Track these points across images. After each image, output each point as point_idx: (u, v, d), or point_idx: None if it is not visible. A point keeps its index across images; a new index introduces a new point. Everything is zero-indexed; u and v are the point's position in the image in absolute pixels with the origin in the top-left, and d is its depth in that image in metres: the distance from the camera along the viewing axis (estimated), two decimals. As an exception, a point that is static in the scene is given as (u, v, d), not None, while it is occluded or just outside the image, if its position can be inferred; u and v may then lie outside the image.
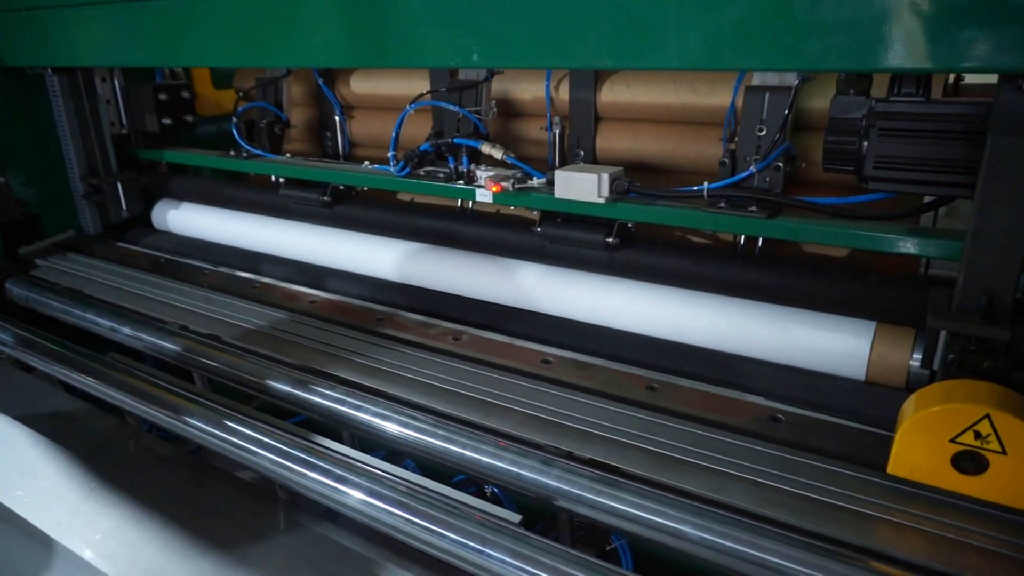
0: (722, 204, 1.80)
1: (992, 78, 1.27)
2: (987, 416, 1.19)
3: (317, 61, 2.17)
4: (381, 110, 2.79)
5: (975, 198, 1.31)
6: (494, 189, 2.03)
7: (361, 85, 2.77)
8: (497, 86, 2.33)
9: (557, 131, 2.21)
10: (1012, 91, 1.21)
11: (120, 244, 3.05)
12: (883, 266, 1.87)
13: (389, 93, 2.68)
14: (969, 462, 1.25)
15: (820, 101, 1.81)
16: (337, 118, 2.84)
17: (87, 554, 1.59)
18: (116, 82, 2.98)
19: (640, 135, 2.17)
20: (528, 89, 2.33)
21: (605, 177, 1.86)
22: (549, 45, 1.49)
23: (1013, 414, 1.18)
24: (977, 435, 1.21)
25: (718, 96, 1.98)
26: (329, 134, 2.91)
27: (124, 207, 3.10)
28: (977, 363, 1.36)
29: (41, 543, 1.66)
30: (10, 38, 2.61)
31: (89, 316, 2.31)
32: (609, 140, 2.22)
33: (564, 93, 2.23)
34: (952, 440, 1.24)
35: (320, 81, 2.79)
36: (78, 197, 3.04)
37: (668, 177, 2.14)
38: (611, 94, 2.15)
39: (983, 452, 1.22)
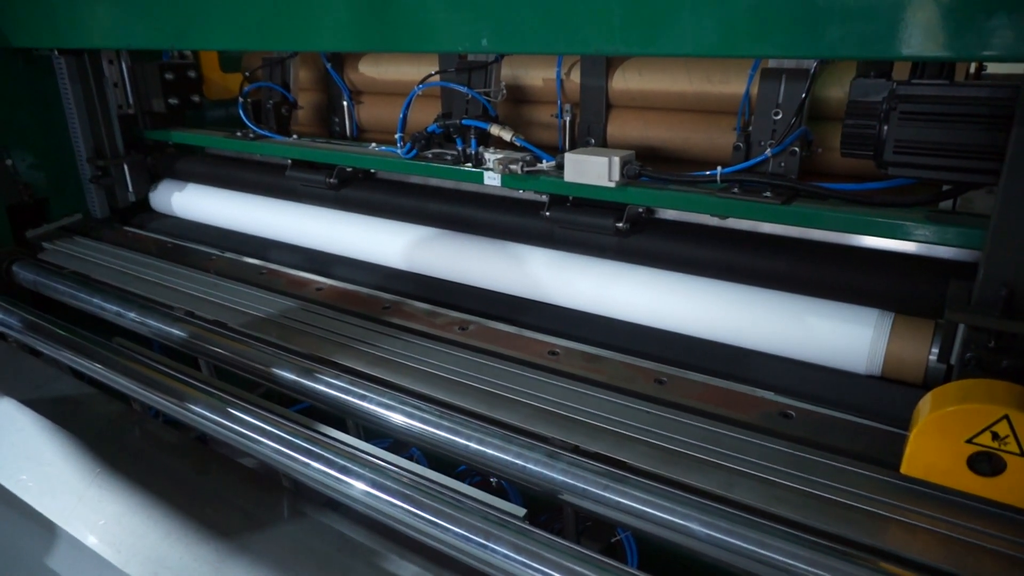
0: (735, 189, 1.76)
1: (1018, 67, 1.22)
2: (1006, 417, 1.16)
3: (325, 45, 2.14)
4: (389, 95, 2.76)
5: (999, 188, 1.27)
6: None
7: (370, 69, 2.74)
8: (507, 71, 2.30)
9: (568, 118, 2.18)
10: (1039, 80, 1.17)
11: (127, 228, 3.06)
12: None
13: (398, 78, 2.65)
14: (986, 463, 1.22)
15: (837, 90, 1.76)
16: (345, 103, 2.81)
17: (91, 540, 1.59)
18: (123, 64, 2.96)
19: (652, 123, 2.13)
20: (539, 75, 2.29)
21: (616, 160, 1.82)
22: (560, 30, 1.45)
23: (1033, 415, 1.14)
24: (995, 436, 1.18)
25: (732, 84, 1.93)
26: (337, 119, 2.89)
27: (131, 190, 3.09)
28: (996, 361, 1.32)
29: (45, 528, 1.66)
30: (17, 19, 2.60)
31: (96, 301, 2.31)
32: (620, 128, 2.18)
33: (575, 79, 2.19)
34: (968, 441, 1.21)
35: (328, 65, 2.75)
36: (85, 180, 3.04)
37: (680, 166, 2.10)
38: (623, 81, 2.11)
39: (1000, 453, 1.19)
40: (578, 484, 1.40)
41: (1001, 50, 1.04)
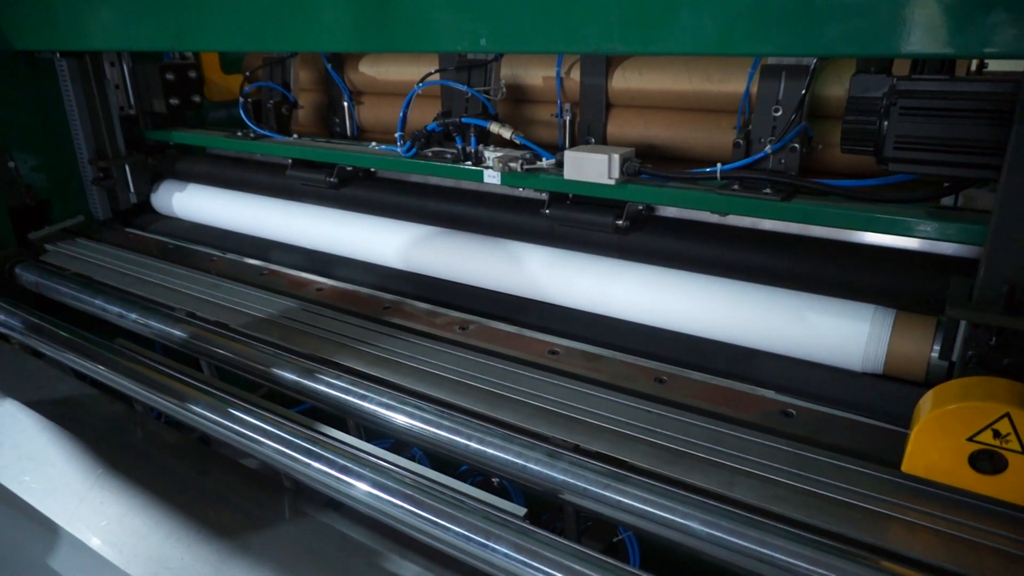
0: (736, 186, 1.76)
1: (1019, 64, 1.22)
2: (1007, 415, 1.15)
3: (325, 45, 2.14)
4: (390, 95, 2.76)
5: (999, 185, 1.26)
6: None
7: (370, 70, 2.74)
8: (507, 71, 2.29)
9: (568, 117, 2.17)
10: (1040, 77, 1.16)
11: (129, 230, 3.07)
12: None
13: (398, 78, 2.65)
14: (987, 461, 1.21)
15: (837, 88, 1.76)
16: (345, 103, 2.81)
17: (93, 541, 1.59)
18: (124, 66, 2.97)
19: (652, 122, 2.13)
20: (538, 74, 2.29)
21: (616, 158, 1.82)
22: (559, 29, 1.45)
23: (1034, 413, 1.14)
24: (996, 434, 1.17)
25: (732, 83, 1.93)
26: (337, 119, 2.89)
27: (132, 190, 3.10)
28: (997, 359, 1.32)
29: (47, 529, 1.67)
30: (19, 22, 2.60)
31: (98, 302, 2.31)
32: (620, 127, 2.17)
33: (575, 78, 2.19)
34: (970, 439, 1.20)
35: (328, 66, 2.75)
36: (87, 182, 3.05)
37: (680, 165, 2.09)
38: (623, 80, 2.11)
39: (1002, 451, 1.19)
40: (579, 483, 1.40)
41: (1001, 47, 1.04)
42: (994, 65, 1.68)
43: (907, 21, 1.07)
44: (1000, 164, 1.26)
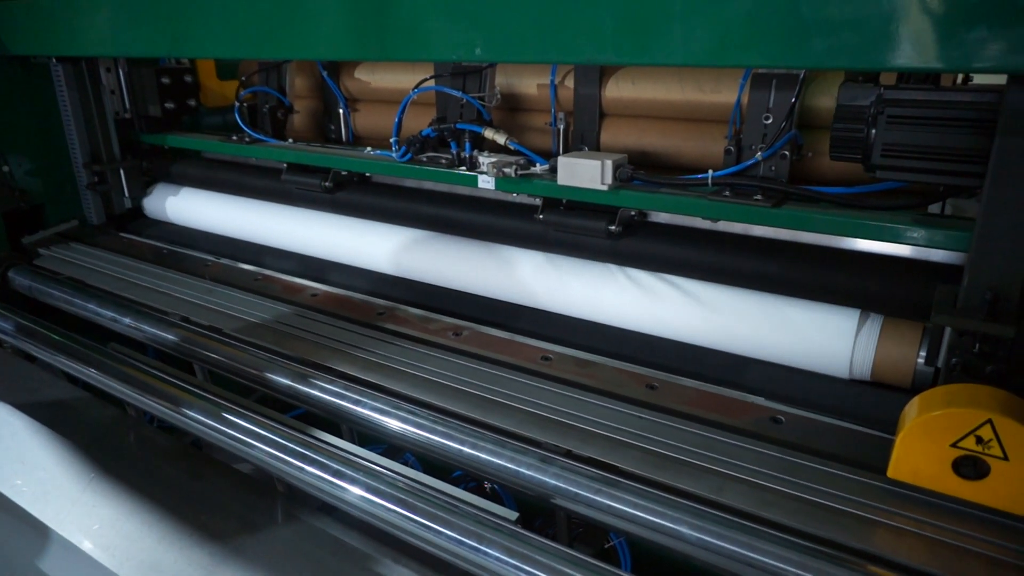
0: (727, 192, 1.78)
1: (1001, 78, 1.24)
2: (989, 421, 1.17)
3: (320, 53, 2.15)
4: (385, 103, 2.77)
5: (983, 195, 1.29)
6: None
7: (366, 77, 2.75)
8: (502, 79, 2.31)
9: (562, 126, 2.19)
10: (1022, 92, 1.18)
11: (123, 235, 3.06)
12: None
13: (394, 86, 2.66)
14: (970, 467, 1.23)
15: (826, 99, 1.78)
16: (341, 110, 2.82)
17: (85, 544, 1.59)
18: (120, 70, 2.97)
19: (645, 131, 2.14)
20: (533, 82, 2.30)
21: (608, 164, 1.84)
22: (553, 39, 1.46)
23: (1016, 419, 1.16)
24: (979, 440, 1.19)
25: (723, 93, 1.95)
26: (333, 126, 2.89)
27: (127, 195, 3.10)
28: (980, 366, 1.34)
29: (39, 533, 1.67)
30: (15, 26, 2.60)
31: (91, 306, 2.31)
32: (613, 136, 2.19)
33: (569, 86, 2.21)
34: (953, 445, 1.22)
35: (324, 73, 2.76)
36: (82, 186, 3.05)
37: (672, 173, 2.11)
38: (616, 90, 2.13)
39: (984, 457, 1.20)
40: (570, 488, 1.41)
41: (985, 62, 1.06)
42: (979, 77, 1.71)
43: (894, 36, 1.09)
44: (983, 172, 1.29)
